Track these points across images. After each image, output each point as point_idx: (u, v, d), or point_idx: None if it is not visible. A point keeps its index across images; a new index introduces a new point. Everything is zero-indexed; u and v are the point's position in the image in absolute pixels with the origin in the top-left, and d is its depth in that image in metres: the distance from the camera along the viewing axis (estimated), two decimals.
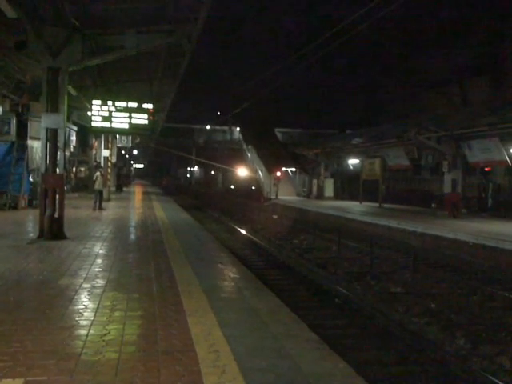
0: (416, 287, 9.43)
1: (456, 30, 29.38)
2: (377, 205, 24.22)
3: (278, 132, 42.66)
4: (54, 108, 9.51)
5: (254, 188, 36.99)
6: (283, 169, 32.09)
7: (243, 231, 17.53)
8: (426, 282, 9.91)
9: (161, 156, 67.92)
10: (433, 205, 22.76)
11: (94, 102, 11.38)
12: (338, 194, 31.39)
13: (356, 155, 27.88)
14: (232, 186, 38.84)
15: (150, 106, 11.74)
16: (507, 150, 17.52)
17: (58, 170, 9.71)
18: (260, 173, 34.23)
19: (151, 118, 11.92)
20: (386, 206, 23.94)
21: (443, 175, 20.50)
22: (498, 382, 5.06)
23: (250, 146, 37.36)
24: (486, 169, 21.94)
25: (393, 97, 35.84)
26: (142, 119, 11.68)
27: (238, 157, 39.94)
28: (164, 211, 18.13)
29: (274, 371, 3.45)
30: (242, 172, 36.34)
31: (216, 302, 5.18)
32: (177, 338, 4.03)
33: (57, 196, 9.60)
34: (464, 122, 18.32)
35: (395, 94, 35.23)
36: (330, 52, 14.85)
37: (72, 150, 27.05)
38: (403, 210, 22.52)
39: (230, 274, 6.84)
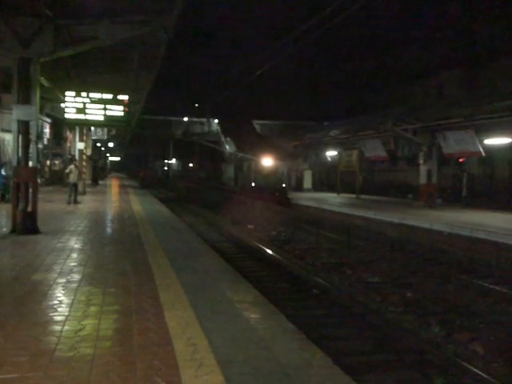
0: (393, 277, 9.56)
1: (433, 23, 29.75)
2: (354, 196, 24.46)
3: (257, 124, 42.60)
4: (25, 99, 9.26)
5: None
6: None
7: (221, 224, 17.49)
8: (403, 272, 10.06)
9: (138, 148, 67.23)
10: (409, 195, 23.12)
11: (68, 93, 11.15)
12: (317, 186, 31.58)
13: (334, 147, 28.06)
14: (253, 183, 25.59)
15: (125, 97, 11.57)
16: (481, 142, 17.87)
17: (30, 163, 9.50)
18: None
19: (127, 109, 11.76)
20: (363, 197, 24.21)
21: (419, 166, 20.80)
22: (471, 367, 5.17)
23: (228, 138, 37.27)
24: (460, 160, 22.36)
25: (371, 89, 36.14)
26: (117, 111, 11.51)
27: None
28: (141, 204, 17.95)
29: (252, 363, 3.45)
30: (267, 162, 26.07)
31: (194, 295, 5.15)
32: (154, 331, 3.99)
33: (29, 190, 9.39)
34: (440, 113, 18.59)
35: (373, 86, 35.54)
36: (309, 43, 14.87)
37: (46, 142, 26.53)
38: (380, 200, 22.81)
39: (208, 267, 6.81)
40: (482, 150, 17.84)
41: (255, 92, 40.82)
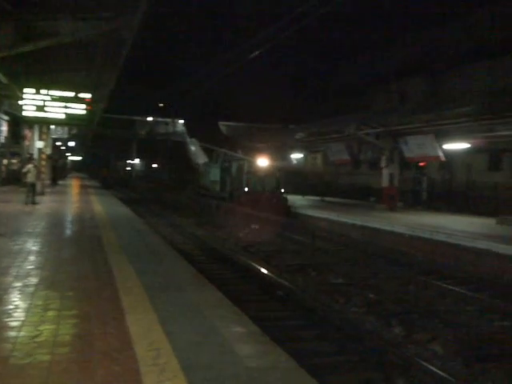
0: (355, 278, 9.70)
1: (395, 29, 30.49)
2: (319, 198, 24.74)
3: (223, 125, 42.47)
4: None
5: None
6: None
7: (188, 226, 17.31)
8: (365, 273, 10.22)
9: (100, 148, 65.80)
10: (371, 198, 23.58)
11: (27, 90, 10.78)
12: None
13: (299, 150, 28.30)
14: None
15: (87, 95, 11.30)
16: (441, 146, 18.41)
17: None
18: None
19: (89, 108, 11.47)
20: (327, 199, 24.51)
21: (381, 170, 21.24)
22: (430, 367, 5.28)
23: (193, 139, 36.97)
24: (421, 164, 22.98)
25: (336, 92, 36.64)
26: (79, 109, 11.23)
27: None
28: (102, 205, 17.54)
29: (216, 367, 3.40)
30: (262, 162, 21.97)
31: (156, 298, 5.05)
32: (114, 336, 3.87)
33: None
34: (401, 118, 19.05)
35: (338, 90, 36.04)
36: (276, 45, 14.97)
37: (3, 140, 25.56)
38: (343, 203, 23.16)
39: (171, 269, 6.70)
40: (441, 154, 18.39)
41: (222, 93, 40.69)
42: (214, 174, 25.60)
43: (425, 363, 5.37)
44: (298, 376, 3.44)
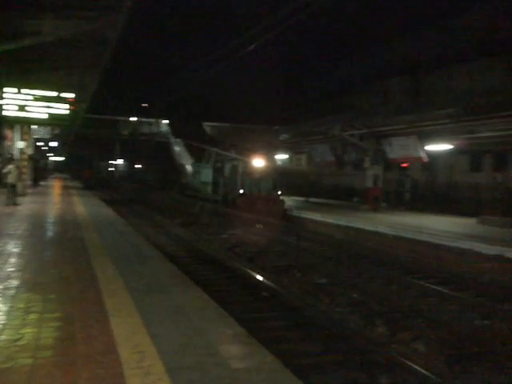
0: (340, 278, 9.75)
1: (378, 31, 30.78)
2: (303, 199, 24.83)
3: (207, 126, 42.34)
4: None
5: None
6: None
7: (167, 225, 17.22)
8: (349, 273, 10.29)
9: (82, 148, 65.03)
10: (355, 199, 23.75)
11: (7, 89, 10.60)
12: None
13: (284, 151, 28.37)
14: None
15: (71, 95, 11.16)
16: (424, 148, 18.64)
17: None
18: (187, 167, 33.74)
19: (72, 108, 11.34)
20: (312, 200, 24.61)
21: (365, 171, 21.41)
22: (413, 365, 5.33)
23: (177, 139, 36.78)
24: (404, 165, 23.24)
25: (320, 94, 36.83)
26: (61, 109, 11.07)
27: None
28: (85, 206, 17.34)
29: (202, 369, 3.39)
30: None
31: (141, 300, 5.01)
32: (98, 339, 3.83)
33: None
34: (385, 120, 19.24)
35: (322, 92, 36.23)
36: (258, 48, 14.96)
37: None
38: (328, 204, 23.28)
39: (155, 271, 6.65)
40: (424, 155, 18.62)
41: (209, 93, 40.61)
42: (206, 174, 24.27)
43: (408, 362, 5.42)
44: (284, 377, 3.45)
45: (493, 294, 8.73)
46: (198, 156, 28.47)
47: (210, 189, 22.76)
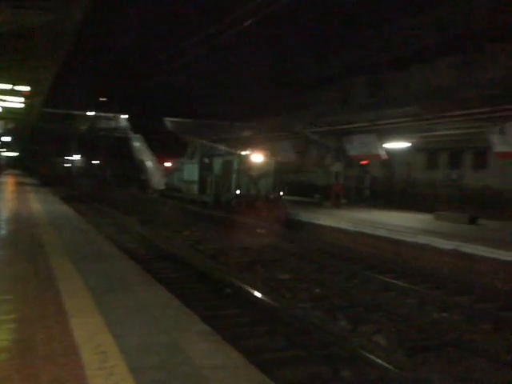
0: (302, 274, 9.86)
1: (340, 29, 31.26)
2: None
3: (168, 121, 41.79)
4: None
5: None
6: (173, 159, 31.36)
7: (129, 225, 16.91)
8: (311, 269, 10.42)
9: (38, 144, 62.89)
10: (316, 195, 24.06)
11: None
12: None
13: (246, 147, 28.34)
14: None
15: (26, 88, 10.74)
16: (383, 145, 19.09)
17: None
18: (148, 163, 33.24)
19: (27, 101, 10.92)
20: None
21: (327, 168, 21.73)
22: (374, 358, 5.45)
23: (137, 135, 36.14)
24: (363, 162, 23.73)
25: (280, 92, 37.06)
26: (16, 102, 10.65)
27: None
28: (41, 203, 16.78)
29: (166, 367, 3.34)
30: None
31: (102, 299, 4.88)
32: (58, 341, 3.71)
33: None
34: (346, 117, 19.57)
35: (283, 90, 36.47)
36: (220, 44, 14.88)
37: None
38: (290, 200, 23.45)
39: (116, 269, 6.51)
40: (383, 153, 19.07)
41: (168, 88, 40.06)
42: (190, 172, 20.60)
43: (370, 355, 5.54)
44: (249, 373, 3.45)
45: (449, 288, 9.06)
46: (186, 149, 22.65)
47: (195, 188, 19.68)
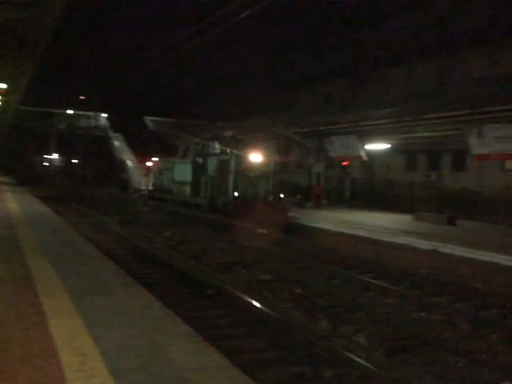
0: (283, 274, 9.88)
1: (322, 30, 31.49)
2: None
3: (149, 120, 41.47)
4: None
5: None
6: (154, 159, 31.08)
7: (111, 226, 16.72)
8: (292, 269, 10.44)
9: (15, 142, 61.71)
10: (297, 196, 24.16)
11: None
12: None
13: (228, 147, 28.31)
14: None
15: (2, 85, 10.52)
16: (363, 147, 19.28)
17: None
18: (128, 162, 32.91)
19: (4, 99, 10.70)
20: None
21: (308, 168, 21.84)
22: (355, 358, 5.49)
23: (117, 134, 35.78)
24: (344, 163, 23.92)
25: (261, 92, 37.14)
26: None
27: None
28: (18, 203, 16.46)
29: (147, 369, 3.31)
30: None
31: (82, 301, 4.81)
32: (36, 343, 3.64)
33: None
34: (327, 118, 19.71)
35: (264, 90, 36.55)
36: (208, 40, 14.78)
37: None
38: None
39: (95, 270, 6.42)
40: (364, 154, 19.27)
41: (148, 87, 39.77)
42: (182, 172, 19.41)
43: (350, 355, 5.57)
44: (231, 374, 3.44)
45: (428, 287, 9.18)
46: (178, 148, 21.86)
47: (188, 190, 18.65)
